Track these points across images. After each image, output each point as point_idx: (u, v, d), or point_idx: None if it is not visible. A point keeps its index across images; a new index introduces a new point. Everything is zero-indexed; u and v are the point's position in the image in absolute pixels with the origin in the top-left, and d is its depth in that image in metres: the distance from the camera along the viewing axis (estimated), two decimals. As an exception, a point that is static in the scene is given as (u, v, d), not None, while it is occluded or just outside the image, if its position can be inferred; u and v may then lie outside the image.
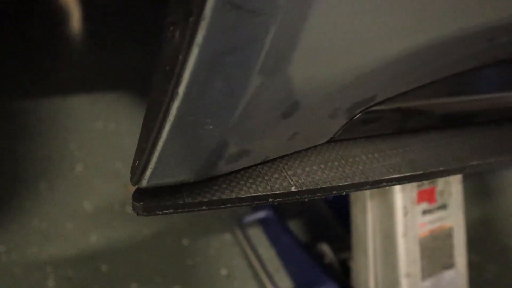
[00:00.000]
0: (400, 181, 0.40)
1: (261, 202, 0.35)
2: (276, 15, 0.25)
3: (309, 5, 0.27)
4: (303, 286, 0.99)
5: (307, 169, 0.38)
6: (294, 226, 1.12)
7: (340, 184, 0.37)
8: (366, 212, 0.76)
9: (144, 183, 0.33)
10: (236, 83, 0.27)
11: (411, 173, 0.40)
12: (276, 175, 0.37)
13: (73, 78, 1.43)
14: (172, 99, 0.28)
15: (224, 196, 0.35)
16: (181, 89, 0.27)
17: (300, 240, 1.04)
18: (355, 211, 0.79)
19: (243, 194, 0.35)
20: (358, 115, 0.42)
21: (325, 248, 0.99)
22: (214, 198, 0.35)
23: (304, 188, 0.36)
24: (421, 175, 0.41)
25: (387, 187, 0.70)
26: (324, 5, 0.28)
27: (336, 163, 0.40)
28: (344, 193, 0.38)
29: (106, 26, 1.54)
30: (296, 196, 0.36)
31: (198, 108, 0.28)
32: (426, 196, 0.75)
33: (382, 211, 0.74)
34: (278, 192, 0.36)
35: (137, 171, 0.33)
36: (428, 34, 0.37)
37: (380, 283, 0.78)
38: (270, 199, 0.36)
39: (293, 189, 0.36)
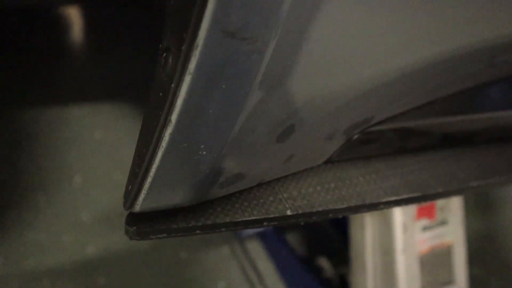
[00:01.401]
0: (398, 203, 0.40)
1: (256, 226, 0.35)
2: (269, 42, 0.25)
3: (306, 30, 0.27)
4: (301, 301, 0.98)
5: (303, 191, 0.38)
6: (293, 239, 1.11)
7: (336, 207, 0.37)
8: (365, 228, 0.75)
9: (137, 208, 0.33)
10: (230, 109, 0.27)
11: (409, 195, 0.40)
12: (272, 198, 0.37)
13: (73, 87, 1.43)
14: (164, 126, 0.27)
15: (218, 220, 0.34)
16: (174, 117, 0.27)
17: (299, 254, 1.03)
18: (353, 226, 0.78)
19: (237, 218, 0.35)
20: (356, 136, 0.41)
21: (324, 262, 0.99)
22: (208, 222, 0.34)
23: (300, 212, 0.36)
24: (419, 197, 0.40)
25: (386, 203, 0.69)
26: (322, 28, 0.28)
27: (333, 185, 0.39)
28: (340, 216, 0.37)
29: (106, 36, 1.54)
30: (292, 220, 0.36)
31: (191, 135, 0.28)
32: (426, 212, 0.74)
33: (381, 227, 0.73)
34: (273, 216, 0.35)
35: (130, 196, 0.32)
36: (425, 55, 0.36)
37: (379, 300, 0.77)
38: (265, 223, 0.35)
39: (288, 212, 0.35)
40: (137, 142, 0.32)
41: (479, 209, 1.44)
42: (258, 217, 0.35)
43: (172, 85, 0.25)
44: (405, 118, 0.42)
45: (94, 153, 1.25)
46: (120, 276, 1.03)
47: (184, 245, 1.09)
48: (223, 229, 0.35)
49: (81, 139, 1.30)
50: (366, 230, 0.75)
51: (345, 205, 0.37)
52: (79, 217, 1.10)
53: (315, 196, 0.38)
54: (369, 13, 0.30)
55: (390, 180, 0.41)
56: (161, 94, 0.27)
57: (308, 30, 0.27)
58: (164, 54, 0.26)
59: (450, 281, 0.79)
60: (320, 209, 0.36)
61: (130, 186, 0.32)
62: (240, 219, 0.35)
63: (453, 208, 0.78)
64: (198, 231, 0.34)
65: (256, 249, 1.09)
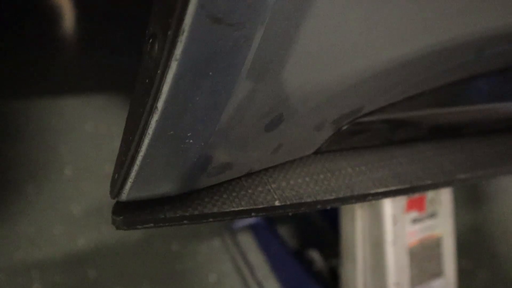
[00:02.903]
0: (386, 195, 0.40)
1: (244, 216, 0.35)
2: (257, 28, 0.25)
3: (296, 20, 0.27)
4: (292, 293, 0.99)
5: (292, 182, 0.38)
6: (285, 231, 1.12)
7: (325, 198, 0.37)
8: (355, 220, 0.75)
9: (123, 196, 0.32)
10: (217, 97, 0.27)
11: (397, 187, 0.40)
12: (260, 189, 0.36)
13: (64, 79, 1.41)
14: (151, 113, 0.27)
15: (206, 211, 0.34)
16: (160, 104, 0.26)
17: (290, 246, 1.04)
18: (344, 219, 0.78)
19: (225, 209, 0.34)
20: (345, 127, 0.41)
21: (314, 254, 0.99)
22: (196, 212, 0.34)
23: (288, 203, 0.36)
24: (408, 189, 0.40)
25: (376, 196, 0.69)
26: (313, 18, 0.28)
27: (321, 176, 0.39)
28: (329, 207, 0.37)
29: (98, 27, 1.52)
30: (280, 211, 0.35)
31: (178, 123, 0.28)
32: (415, 205, 0.75)
33: (371, 220, 0.74)
34: (261, 206, 0.35)
35: (116, 184, 0.32)
36: (416, 45, 0.36)
37: (369, 292, 0.78)
38: (252, 213, 0.35)
39: (276, 203, 0.35)
40: (123, 130, 0.31)
41: (469, 202, 1.46)
42: (246, 208, 0.35)
43: (158, 72, 0.25)
44: (395, 109, 0.42)
45: (85, 145, 1.24)
46: (111, 268, 1.03)
47: (175, 237, 1.09)
48: (210, 220, 0.34)
49: (72, 131, 1.29)
50: (356, 223, 0.76)
51: (333, 196, 0.37)
52: (69, 209, 1.09)
53: (303, 187, 0.37)
54: (360, 5, 0.29)
55: (379, 172, 0.41)
56: (147, 80, 0.27)
57: (299, 20, 0.27)
58: (150, 40, 0.26)
59: (439, 272, 0.80)
60: (308, 200, 0.36)
61: (116, 175, 0.32)
62: (228, 210, 0.34)
63: (443, 200, 0.78)
64: (185, 221, 0.34)
65: (248, 241, 1.09)
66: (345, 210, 0.78)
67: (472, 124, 0.48)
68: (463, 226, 1.39)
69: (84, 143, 1.24)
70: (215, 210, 0.34)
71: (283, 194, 0.36)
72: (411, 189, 0.41)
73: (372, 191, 0.39)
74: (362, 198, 0.39)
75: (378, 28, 0.33)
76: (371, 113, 0.41)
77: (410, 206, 0.74)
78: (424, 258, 0.77)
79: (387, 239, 0.72)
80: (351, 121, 0.41)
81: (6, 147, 1.18)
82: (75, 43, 1.51)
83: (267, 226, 1.07)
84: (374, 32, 0.33)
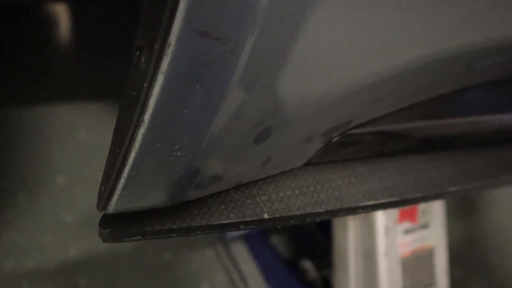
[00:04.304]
0: (375, 208, 0.39)
1: (232, 229, 0.35)
2: (244, 43, 0.25)
3: (287, 33, 0.27)
4: (284, 304, 0.98)
5: (281, 194, 0.37)
6: (278, 241, 1.11)
7: (314, 211, 0.37)
8: (348, 230, 0.75)
9: (110, 209, 0.32)
10: (204, 110, 0.27)
11: (387, 200, 0.40)
12: (249, 201, 0.36)
13: (58, 86, 1.41)
14: (137, 126, 0.27)
15: (194, 223, 0.34)
16: (147, 117, 0.26)
17: (283, 256, 1.03)
18: (336, 229, 0.78)
19: (214, 221, 0.34)
20: (335, 139, 0.41)
21: (307, 264, 0.99)
22: (184, 225, 0.34)
23: (277, 215, 0.35)
24: (397, 202, 0.40)
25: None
26: (304, 32, 0.28)
27: (311, 188, 0.39)
28: (318, 220, 0.37)
29: (92, 35, 1.53)
30: (269, 223, 0.35)
31: (165, 136, 0.27)
32: (408, 216, 0.75)
33: (363, 230, 0.74)
34: (250, 219, 0.35)
35: (103, 197, 0.32)
36: (404, 59, 0.36)
37: (361, 303, 0.77)
38: (241, 226, 0.35)
39: (265, 216, 0.35)
40: (111, 143, 0.31)
41: (462, 212, 1.46)
42: (235, 220, 0.34)
43: (145, 85, 0.25)
44: (385, 121, 0.42)
45: (77, 153, 1.23)
46: (102, 278, 1.02)
47: (167, 247, 1.08)
48: (199, 232, 0.34)
49: (65, 139, 1.28)
50: (348, 233, 0.76)
51: (323, 209, 0.37)
52: (61, 217, 1.09)
53: (293, 200, 0.37)
54: (349, 19, 0.30)
55: (369, 184, 0.41)
56: (134, 93, 0.27)
57: (288, 35, 0.27)
58: (137, 53, 0.26)
59: (432, 283, 0.79)
60: (297, 213, 0.36)
61: (103, 187, 0.32)
62: (216, 222, 0.34)
63: (435, 211, 0.78)
64: (173, 234, 0.34)
65: (240, 251, 1.08)
66: (337, 221, 0.77)
67: (462, 136, 0.48)
68: (456, 236, 1.39)
69: (77, 151, 1.24)
70: (204, 222, 0.34)
71: (272, 207, 0.36)
72: (400, 202, 0.41)
73: (362, 204, 0.39)
74: (352, 211, 0.38)
75: (367, 42, 0.33)
76: (361, 125, 0.42)
77: (403, 217, 0.74)
78: (416, 269, 0.77)
79: (379, 250, 0.72)
80: (342, 133, 0.41)
81: None
82: (69, 50, 1.51)
83: (260, 236, 1.06)
84: (363, 46, 0.33)
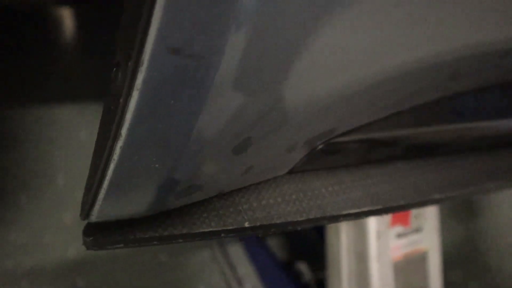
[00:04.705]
0: (358, 216, 0.40)
1: (214, 237, 0.35)
2: (217, 58, 0.25)
3: (264, 46, 0.27)
4: (280, 305, 0.99)
5: (264, 202, 0.38)
6: (274, 243, 1.12)
7: (295, 219, 0.37)
8: (340, 234, 0.76)
9: (92, 218, 0.33)
10: (180, 124, 0.27)
11: (369, 208, 0.40)
12: (231, 209, 0.37)
13: (60, 87, 1.42)
14: (115, 139, 0.28)
15: (175, 232, 0.35)
16: (124, 131, 0.27)
17: (279, 258, 1.04)
18: (329, 232, 0.78)
19: (195, 230, 0.35)
20: (320, 146, 0.41)
21: (303, 267, 0.99)
22: (166, 233, 0.34)
23: (258, 224, 0.36)
24: (380, 209, 0.41)
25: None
26: (282, 43, 0.28)
27: (294, 197, 0.39)
28: (299, 228, 0.38)
29: (95, 38, 1.54)
30: (250, 232, 0.36)
31: (142, 149, 0.28)
32: (400, 219, 0.75)
33: (355, 234, 0.74)
34: (231, 227, 0.35)
35: (85, 206, 0.32)
36: (385, 68, 0.37)
37: (354, 306, 0.78)
38: (222, 235, 0.35)
39: (246, 224, 0.36)
40: (93, 153, 0.32)
41: (461, 214, 1.46)
42: (216, 229, 0.35)
43: (121, 100, 0.26)
44: (369, 129, 0.43)
45: (78, 154, 1.24)
46: (100, 278, 1.03)
47: (164, 248, 1.09)
48: (180, 240, 0.35)
49: (66, 139, 1.29)
50: (341, 236, 0.76)
51: (304, 218, 0.38)
52: (61, 218, 1.10)
53: (275, 208, 0.38)
54: (332, 26, 0.30)
55: (352, 192, 0.42)
56: (112, 107, 0.27)
57: (264, 49, 0.28)
58: (115, 69, 0.27)
59: (425, 287, 0.80)
60: (278, 221, 0.37)
61: (85, 197, 0.32)
62: (197, 231, 0.35)
63: (428, 215, 0.78)
64: (155, 242, 0.34)
65: (237, 253, 1.09)
66: (330, 224, 0.78)
67: (448, 143, 0.49)
68: (455, 238, 1.39)
69: (77, 151, 1.25)
70: (185, 231, 0.35)
71: (253, 215, 0.37)
72: (383, 210, 0.41)
73: (344, 212, 0.39)
74: (334, 219, 0.39)
75: (353, 51, 0.33)
76: (346, 133, 0.42)
77: (395, 221, 0.75)
78: (409, 272, 0.77)
79: (371, 254, 0.72)
80: (326, 142, 0.41)
81: (0, 154, 1.19)
82: (71, 52, 1.52)
83: (257, 238, 1.07)
84: (345, 54, 0.33)
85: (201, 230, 0.35)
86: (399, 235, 0.75)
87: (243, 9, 0.24)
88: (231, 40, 0.25)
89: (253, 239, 1.08)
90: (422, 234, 0.78)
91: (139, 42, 0.24)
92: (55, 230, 1.09)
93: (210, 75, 0.26)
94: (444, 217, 1.42)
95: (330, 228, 0.79)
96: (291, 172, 0.42)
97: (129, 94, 0.25)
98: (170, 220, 0.35)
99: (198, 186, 0.34)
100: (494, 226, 1.45)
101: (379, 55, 0.35)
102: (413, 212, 0.76)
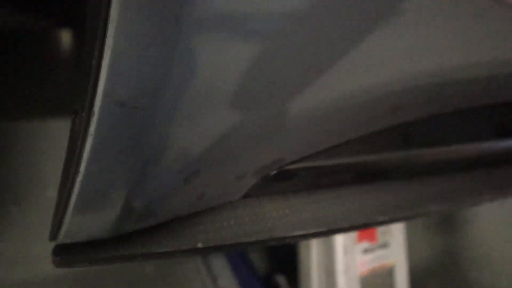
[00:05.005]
0: (304, 237, 0.44)
1: (169, 257, 0.39)
2: (157, 108, 0.30)
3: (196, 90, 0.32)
4: (258, 317, 1.02)
5: (218, 225, 0.42)
6: (256, 256, 1.16)
7: (245, 241, 0.41)
8: (311, 249, 0.80)
9: (59, 239, 0.37)
10: (129, 164, 0.32)
11: (315, 230, 0.45)
12: (187, 231, 0.41)
13: (53, 102, 1.46)
14: (75, 174, 0.32)
15: (135, 251, 0.39)
16: (82, 168, 0.31)
17: (259, 271, 1.07)
18: (301, 247, 0.83)
19: (152, 250, 0.39)
20: (272, 173, 0.46)
21: (281, 279, 1.03)
22: (126, 253, 0.39)
23: (210, 245, 0.40)
24: (325, 232, 0.45)
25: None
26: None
27: (246, 219, 0.44)
28: (248, 248, 0.42)
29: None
30: (203, 252, 0.40)
31: (99, 183, 0.33)
32: (367, 235, 0.79)
33: (324, 249, 0.78)
34: (185, 248, 0.40)
35: (53, 229, 0.37)
36: (324, 102, 0.41)
37: (324, 318, 0.82)
38: (177, 254, 0.40)
39: (199, 245, 0.40)
40: (59, 183, 0.36)
41: (442, 227, 1.49)
42: (171, 249, 0.39)
43: (78, 143, 0.30)
44: (318, 157, 0.47)
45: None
46: (87, 289, 1.06)
47: (151, 262, 1.13)
48: (140, 259, 0.39)
49: (57, 153, 1.32)
50: (312, 251, 0.80)
51: (254, 239, 0.42)
52: (50, 230, 1.13)
53: (227, 230, 0.42)
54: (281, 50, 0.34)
55: (301, 215, 0.46)
56: (72, 147, 0.32)
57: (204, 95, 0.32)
58: (74, 116, 0.31)
59: (392, 301, 0.84)
60: (229, 242, 0.41)
61: (53, 220, 0.37)
62: (155, 251, 0.39)
63: (394, 231, 0.83)
64: (117, 261, 0.39)
65: (220, 265, 1.12)
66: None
67: (394, 169, 0.53)
68: (435, 251, 1.43)
69: (68, 164, 1.28)
70: (144, 250, 0.39)
71: (206, 237, 0.41)
72: (328, 232, 0.45)
73: (290, 234, 0.44)
74: (281, 240, 0.43)
75: (294, 80, 0.38)
76: (296, 161, 0.47)
77: (361, 237, 0.79)
78: (376, 286, 0.81)
79: (338, 268, 0.76)
80: (277, 169, 0.46)
81: None
82: (65, 69, 1.56)
83: (239, 251, 1.11)
84: (287, 84, 0.38)
85: (158, 251, 0.39)
86: (366, 251, 0.79)
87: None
88: (165, 97, 0.30)
89: (236, 252, 1.12)
90: (389, 249, 0.82)
91: (90, 96, 0.28)
92: (44, 242, 1.11)
93: (152, 122, 0.31)
94: (424, 231, 1.46)
95: (302, 245, 0.83)
96: (246, 196, 0.46)
97: (84, 139, 0.30)
98: (131, 241, 0.39)
99: (153, 212, 0.38)
100: (474, 238, 1.49)
101: (319, 90, 0.40)
102: (380, 229, 0.80)
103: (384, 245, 0.81)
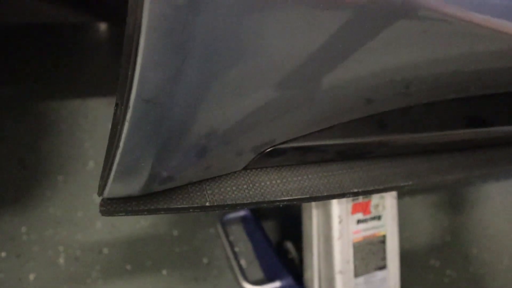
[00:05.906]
0: (290, 202, 0.56)
1: (185, 211, 0.53)
2: (172, 101, 0.42)
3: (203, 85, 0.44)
4: (269, 277, 1.16)
5: (222, 189, 0.55)
6: (269, 224, 1.28)
7: (242, 202, 0.54)
8: (312, 218, 0.92)
9: (105, 195, 0.51)
10: (154, 142, 0.45)
11: (298, 197, 0.57)
12: (198, 193, 0.54)
13: (92, 83, 1.58)
14: (117, 148, 0.45)
15: (159, 206, 0.52)
16: (121, 144, 0.45)
17: (269, 238, 1.20)
18: (304, 217, 0.95)
19: (172, 205, 0.52)
20: (267, 150, 0.58)
21: (289, 246, 1.16)
22: (152, 207, 0.52)
23: (215, 204, 0.53)
24: (307, 198, 0.57)
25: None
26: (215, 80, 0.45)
27: (245, 186, 0.56)
28: (245, 208, 0.54)
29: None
30: (209, 209, 0.53)
31: (132, 155, 0.46)
32: (360, 208, 0.91)
33: (323, 218, 0.90)
34: (196, 205, 0.53)
35: (100, 188, 0.51)
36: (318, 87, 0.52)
37: (322, 278, 0.95)
38: (190, 210, 0.53)
39: (207, 204, 0.53)
40: (105, 154, 0.50)
41: (450, 207, 1.56)
42: (186, 206, 0.53)
43: (118, 127, 0.43)
44: (305, 139, 0.59)
45: (106, 142, 1.42)
46: (121, 248, 1.19)
47: (177, 224, 1.26)
48: (162, 212, 0.53)
49: (97, 129, 1.45)
50: (313, 220, 0.92)
51: (249, 201, 0.54)
52: (91, 197, 1.26)
53: (229, 194, 0.55)
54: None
55: (289, 185, 0.58)
56: (114, 129, 0.45)
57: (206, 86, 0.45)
58: (115, 106, 0.44)
59: (383, 266, 0.95)
60: (230, 202, 0.54)
61: (100, 181, 0.51)
62: (174, 206, 0.52)
63: (388, 205, 0.93)
64: (145, 213, 0.53)
65: (238, 231, 1.25)
66: (305, 210, 0.94)
67: (372, 150, 0.64)
68: (440, 228, 1.51)
69: (106, 140, 1.42)
70: (165, 206, 0.53)
71: (213, 198, 0.54)
72: (309, 198, 0.57)
73: (279, 199, 0.56)
74: (271, 203, 0.56)
75: (292, 67, 0.49)
76: (286, 141, 0.58)
77: (355, 209, 0.90)
78: (368, 253, 0.93)
79: (334, 235, 0.88)
80: (269, 148, 0.58)
81: (41, 141, 1.37)
82: (104, 55, 1.69)
83: (254, 219, 1.24)
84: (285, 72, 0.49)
85: (176, 206, 0.52)
86: (359, 221, 0.90)
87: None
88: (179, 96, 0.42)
89: (251, 222, 1.25)
90: (381, 221, 0.93)
91: (127, 95, 0.41)
92: (86, 207, 1.25)
93: (168, 111, 0.43)
94: (432, 209, 1.54)
95: (304, 213, 0.95)
96: (246, 168, 0.59)
97: (123, 123, 0.43)
98: (156, 198, 0.53)
99: (172, 178, 0.51)
100: (480, 218, 1.55)
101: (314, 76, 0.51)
102: (373, 202, 0.91)
103: (377, 217, 0.92)
